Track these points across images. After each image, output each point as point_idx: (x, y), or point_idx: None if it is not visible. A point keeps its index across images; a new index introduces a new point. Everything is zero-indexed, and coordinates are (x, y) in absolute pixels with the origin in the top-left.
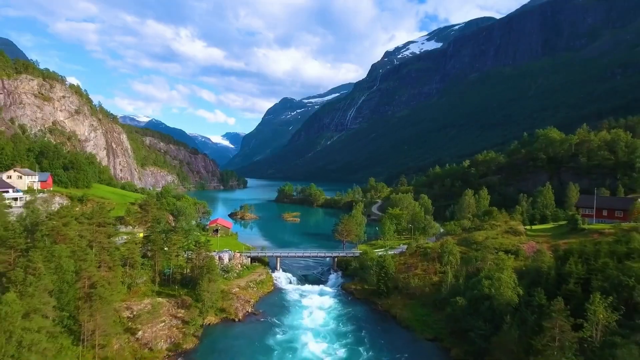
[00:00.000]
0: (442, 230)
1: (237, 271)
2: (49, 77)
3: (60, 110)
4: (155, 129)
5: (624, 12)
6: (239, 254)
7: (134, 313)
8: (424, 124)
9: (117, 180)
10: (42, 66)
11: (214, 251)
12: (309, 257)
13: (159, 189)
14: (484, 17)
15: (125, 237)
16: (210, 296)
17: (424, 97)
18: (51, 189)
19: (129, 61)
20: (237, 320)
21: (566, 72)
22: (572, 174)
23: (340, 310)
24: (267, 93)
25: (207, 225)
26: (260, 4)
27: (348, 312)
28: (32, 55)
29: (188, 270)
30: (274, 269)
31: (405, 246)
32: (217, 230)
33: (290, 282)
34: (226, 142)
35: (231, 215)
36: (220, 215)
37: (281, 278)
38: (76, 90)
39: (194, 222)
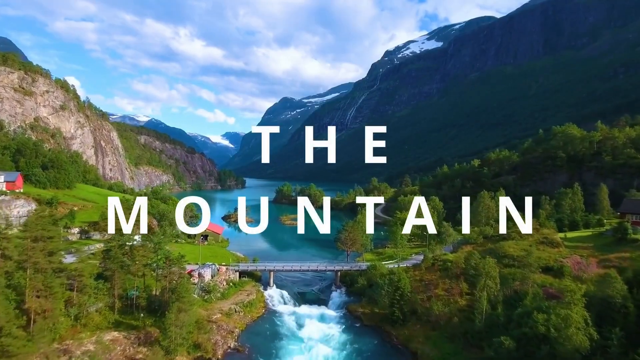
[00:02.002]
0: (459, 237)
1: (221, 290)
2: (31, 70)
3: (44, 106)
4: (155, 128)
5: (625, 11)
6: (224, 268)
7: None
8: (424, 124)
9: (106, 181)
10: (43, 66)
11: (196, 264)
12: (307, 270)
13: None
14: (485, 17)
15: (74, 250)
16: (179, 331)
17: (424, 97)
18: (20, 190)
19: (129, 60)
20: None
21: (567, 72)
22: (594, 174)
23: (346, 344)
24: (266, 93)
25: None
26: (260, 3)
27: (356, 347)
28: (31, 55)
29: (158, 292)
30: (266, 285)
31: (420, 256)
32: (205, 237)
33: (285, 303)
34: (226, 142)
35: (225, 219)
36: (213, 218)
37: (274, 297)
38: (62, 84)
39: (179, 228)
